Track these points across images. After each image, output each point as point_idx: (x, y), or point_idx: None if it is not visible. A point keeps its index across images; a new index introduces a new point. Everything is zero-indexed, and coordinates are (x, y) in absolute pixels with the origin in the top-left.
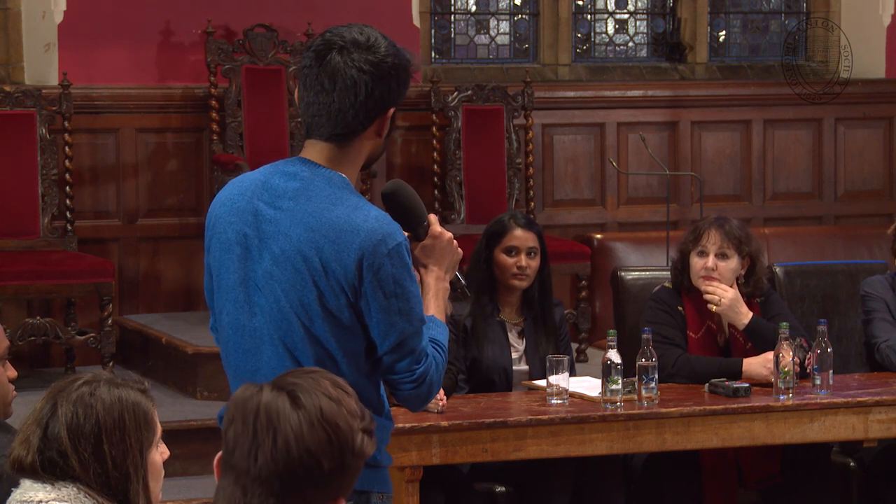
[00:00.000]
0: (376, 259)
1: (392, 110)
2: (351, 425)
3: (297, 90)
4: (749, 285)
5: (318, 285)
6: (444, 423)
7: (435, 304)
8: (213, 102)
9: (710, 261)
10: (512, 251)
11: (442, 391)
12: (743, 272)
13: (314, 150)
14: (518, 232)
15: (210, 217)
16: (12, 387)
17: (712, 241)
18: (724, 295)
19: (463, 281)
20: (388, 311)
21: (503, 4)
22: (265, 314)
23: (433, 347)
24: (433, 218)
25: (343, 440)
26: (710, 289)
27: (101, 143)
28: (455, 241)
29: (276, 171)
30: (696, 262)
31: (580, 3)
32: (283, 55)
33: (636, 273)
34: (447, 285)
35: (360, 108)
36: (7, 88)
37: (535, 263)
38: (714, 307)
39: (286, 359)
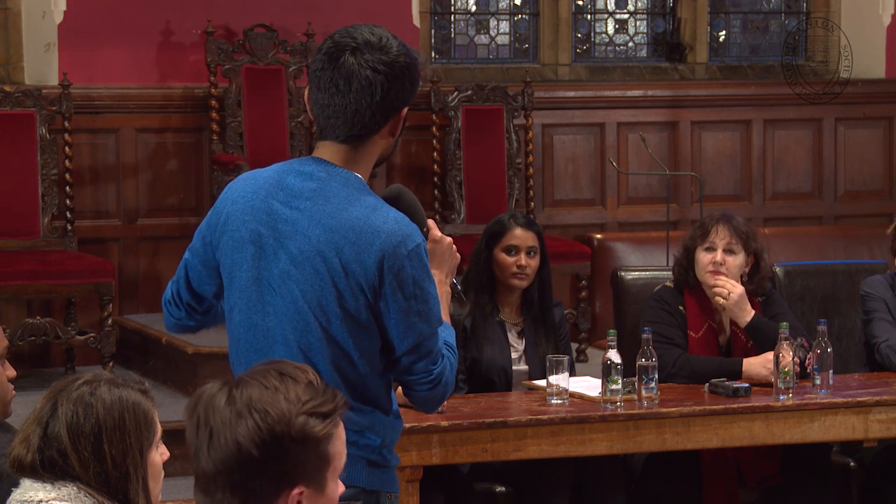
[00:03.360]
0: (396, 260)
1: (405, 109)
2: (285, 410)
3: (306, 93)
4: (753, 283)
5: (337, 286)
6: (444, 423)
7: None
8: (213, 102)
9: (719, 255)
10: (512, 250)
11: None
12: (747, 270)
13: (329, 151)
14: (518, 231)
15: (219, 213)
16: (12, 386)
17: (721, 236)
18: (732, 290)
19: (459, 286)
20: (407, 312)
21: (503, 4)
22: (279, 314)
23: (447, 350)
24: (432, 223)
25: (274, 425)
26: (718, 282)
27: (101, 143)
28: (454, 246)
29: (291, 171)
30: (704, 258)
31: (580, 3)
32: (283, 55)
33: (636, 273)
34: (448, 289)
35: (376, 108)
36: (7, 88)
37: (534, 263)
38: (721, 300)
39: (299, 359)
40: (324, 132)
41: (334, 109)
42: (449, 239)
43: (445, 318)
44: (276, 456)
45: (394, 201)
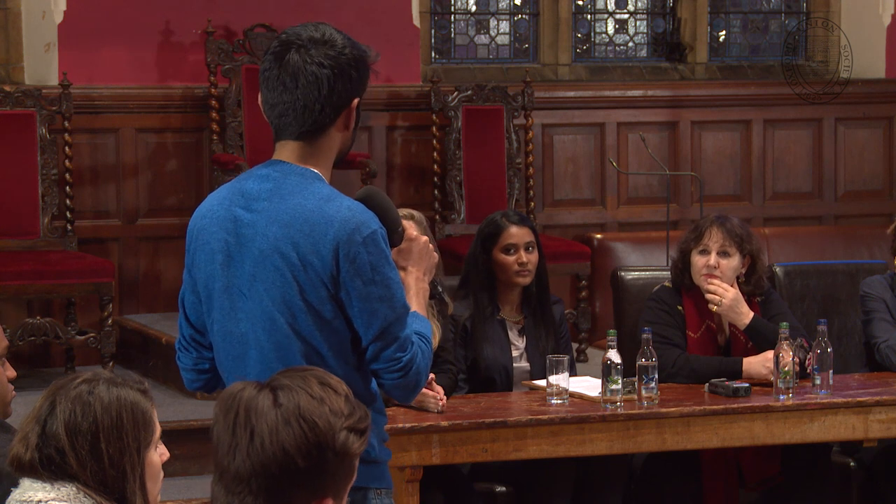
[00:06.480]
0: (352, 248)
1: (356, 101)
2: (332, 423)
3: (259, 95)
4: (750, 284)
5: (297, 280)
6: (444, 423)
7: (416, 302)
8: (213, 102)
9: (713, 259)
10: (510, 249)
11: (441, 390)
12: (743, 271)
13: (286, 151)
14: (513, 229)
15: (191, 231)
16: (12, 387)
17: (714, 239)
18: (725, 294)
19: (440, 287)
20: (367, 298)
21: (503, 4)
22: (250, 319)
23: (418, 338)
24: (407, 223)
25: (321, 437)
26: (711, 287)
27: (101, 143)
28: (431, 245)
29: (251, 176)
30: (698, 261)
31: (580, 3)
32: None
33: (636, 273)
34: (426, 286)
35: (325, 102)
36: (7, 88)
37: (534, 258)
38: (715, 307)
39: (272, 360)
40: (278, 132)
41: (284, 107)
42: (424, 238)
43: (423, 311)
44: (318, 467)
45: (364, 202)
